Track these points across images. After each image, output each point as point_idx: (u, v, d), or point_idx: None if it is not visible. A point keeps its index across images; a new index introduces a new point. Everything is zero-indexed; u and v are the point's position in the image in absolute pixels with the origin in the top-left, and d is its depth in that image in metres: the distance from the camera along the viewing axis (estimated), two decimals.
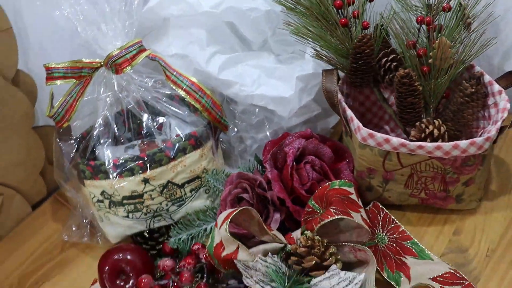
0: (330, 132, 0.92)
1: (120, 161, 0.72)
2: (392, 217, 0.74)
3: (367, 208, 0.76)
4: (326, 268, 0.64)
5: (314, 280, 0.63)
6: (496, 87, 0.72)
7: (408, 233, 0.73)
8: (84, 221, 0.84)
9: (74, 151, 0.76)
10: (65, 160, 0.77)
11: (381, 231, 0.74)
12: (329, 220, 0.64)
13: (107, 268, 0.72)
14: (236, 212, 0.65)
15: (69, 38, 0.86)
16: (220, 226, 0.65)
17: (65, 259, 0.84)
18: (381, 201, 0.77)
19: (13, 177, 0.89)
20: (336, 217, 0.64)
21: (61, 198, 0.93)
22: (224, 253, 0.64)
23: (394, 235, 0.73)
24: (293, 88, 0.79)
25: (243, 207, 0.65)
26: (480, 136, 0.73)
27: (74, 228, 0.85)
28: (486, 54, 0.87)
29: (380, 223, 0.74)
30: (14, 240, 0.89)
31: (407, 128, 0.75)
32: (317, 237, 0.65)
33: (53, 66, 0.72)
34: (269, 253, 0.65)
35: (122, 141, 0.77)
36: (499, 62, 0.87)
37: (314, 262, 0.63)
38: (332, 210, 0.65)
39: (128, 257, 0.72)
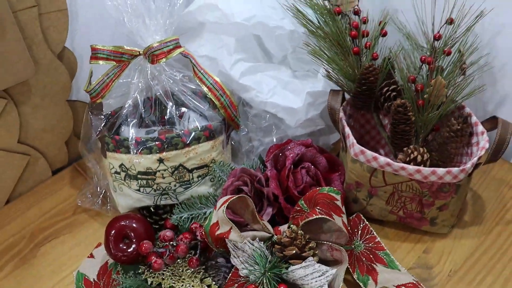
0: (330, 148, 1.05)
1: (142, 139, 0.85)
2: (371, 228, 0.87)
3: (350, 217, 0.89)
4: (304, 259, 0.76)
5: (291, 267, 0.75)
6: (480, 128, 0.84)
7: (382, 244, 0.85)
8: (98, 190, 0.97)
9: (102, 125, 0.89)
10: (93, 132, 0.90)
11: (359, 239, 0.86)
12: (313, 218, 0.77)
13: (113, 231, 0.85)
14: (234, 198, 0.78)
15: (113, 26, 1.00)
16: (219, 208, 0.78)
17: (75, 222, 0.97)
18: (364, 213, 0.89)
19: (41, 141, 1.03)
20: (320, 216, 0.76)
21: (79, 168, 1.07)
22: (218, 232, 0.77)
23: (370, 244, 0.85)
24: (302, 101, 0.92)
25: (241, 195, 0.78)
26: None
27: (88, 195, 0.98)
28: (482, 100, 1.00)
29: (359, 232, 0.87)
30: (32, 198, 1.02)
31: (397, 152, 0.88)
32: (300, 232, 0.77)
33: (99, 47, 0.86)
34: (257, 238, 0.77)
35: (147, 122, 0.91)
36: (492, 108, 0.99)
37: (294, 251, 0.76)
38: (317, 209, 0.77)
39: (134, 225, 0.85)
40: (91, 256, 0.90)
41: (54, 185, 1.05)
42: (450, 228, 0.88)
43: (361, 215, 0.88)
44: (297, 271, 0.75)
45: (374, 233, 0.86)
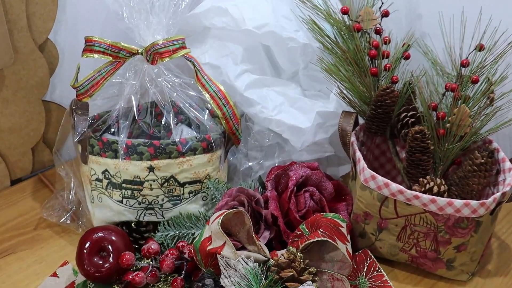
0: (339, 180, 1.29)
1: (133, 142, 1.08)
2: (378, 265, 1.10)
3: (356, 253, 1.12)
4: (301, 282, 0.98)
5: None
6: (508, 164, 1.09)
7: (390, 283, 1.08)
8: (70, 204, 1.20)
9: (86, 126, 1.12)
10: (75, 133, 1.13)
11: (364, 276, 1.09)
12: (315, 240, 1.00)
13: (89, 243, 1.07)
14: (231, 211, 1.01)
15: (104, 20, 1.27)
16: (213, 222, 1.01)
17: (37, 237, 1.19)
18: (372, 251, 1.13)
19: (6, 143, 1.26)
20: (322, 238, 0.99)
21: (46, 179, 1.30)
22: (210, 247, 0.99)
23: (376, 283, 1.08)
24: (311, 122, 1.17)
25: (237, 209, 1.02)
26: None
27: (56, 208, 1.20)
28: None
29: (365, 268, 1.10)
30: None
31: (411, 184, 1.13)
32: (299, 254, 1.00)
33: (96, 39, 1.11)
34: (252, 257, 1.00)
35: (140, 124, 1.15)
36: None
37: (291, 274, 0.98)
38: (319, 232, 1.00)
39: (113, 237, 1.07)
40: (55, 275, 1.10)
41: (13, 196, 1.28)
42: (470, 275, 1.12)
43: (369, 251, 1.12)
44: None
45: (382, 270, 1.10)
